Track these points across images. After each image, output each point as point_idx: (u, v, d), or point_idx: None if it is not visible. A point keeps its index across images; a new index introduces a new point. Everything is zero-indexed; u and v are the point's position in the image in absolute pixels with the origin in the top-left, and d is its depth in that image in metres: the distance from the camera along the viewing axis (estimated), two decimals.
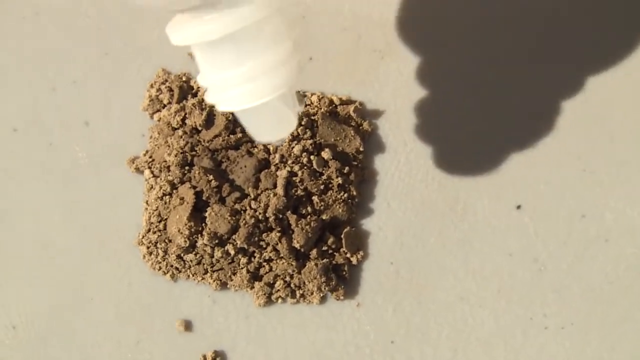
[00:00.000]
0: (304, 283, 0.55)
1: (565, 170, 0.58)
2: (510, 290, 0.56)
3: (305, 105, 0.58)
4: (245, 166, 0.55)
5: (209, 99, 0.44)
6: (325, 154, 0.56)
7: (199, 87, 0.58)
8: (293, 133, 0.56)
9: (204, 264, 0.55)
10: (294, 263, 0.55)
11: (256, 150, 0.56)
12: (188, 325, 0.55)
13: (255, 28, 0.42)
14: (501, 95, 0.58)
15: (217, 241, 0.54)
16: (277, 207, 0.54)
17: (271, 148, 0.56)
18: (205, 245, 0.54)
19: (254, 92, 0.43)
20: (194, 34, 0.41)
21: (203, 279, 0.56)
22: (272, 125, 0.48)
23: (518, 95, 0.58)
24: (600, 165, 0.58)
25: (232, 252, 0.54)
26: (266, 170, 0.55)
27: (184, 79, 0.59)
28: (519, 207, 0.57)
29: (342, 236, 0.56)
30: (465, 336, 0.55)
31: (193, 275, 0.56)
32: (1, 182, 0.58)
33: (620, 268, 0.56)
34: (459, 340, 0.55)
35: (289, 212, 0.54)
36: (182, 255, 0.55)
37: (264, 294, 0.55)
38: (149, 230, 0.56)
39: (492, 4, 0.60)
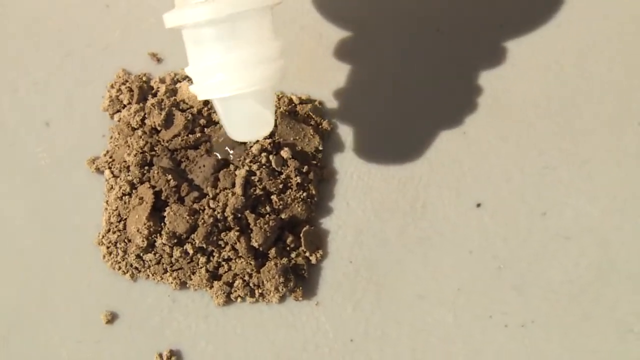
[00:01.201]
0: (263, 282, 0.56)
1: (525, 168, 0.59)
2: (470, 288, 0.57)
3: None
4: (204, 166, 0.56)
5: (192, 88, 0.47)
6: (284, 153, 0.57)
7: (158, 88, 0.59)
8: None
9: (163, 264, 0.56)
10: (252, 262, 0.56)
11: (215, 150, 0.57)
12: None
13: (243, 21, 0.44)
14: (459, 93, 0.59)
15: (175, 241, 0.55)
16: (235, 207, 0.55)
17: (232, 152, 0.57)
18: (164, 244, 0.55)
19: (232, 82, 0.46)
20: (184, 16, 0.45)
21: (162, 278, 0.57)
22: (249, 124, 0.50)
23: (477, 93, 0.59)
24: (561, 163, 0.59)
25: (191, 252, 0.55)
26: (225, 170, 0.56)
27: (144, 79, 0.60)
28: (479, 205, 0.58)
29: (301, 235, 0.57)
30: (424, 335, 0.56)
31: (152, 275, 0.57)
32: None
33: (580, 266, 0.57)
34: (418, 339, 0.56)
35: (248, 211, 0.56)
36: (141, 255, 0.56)
37: (223, 293, 0.56)
38: (108, 230, 0.57)
39: (454, 6, 0.61)
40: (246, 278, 0.56)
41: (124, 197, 0.57)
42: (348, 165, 0.59)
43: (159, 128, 0.58)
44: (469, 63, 0.60)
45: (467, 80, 0.60)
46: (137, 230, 0.55)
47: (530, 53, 0.60)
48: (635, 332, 0.56)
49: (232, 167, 0.56)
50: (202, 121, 0.58)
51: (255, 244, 0.55)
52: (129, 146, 0.57)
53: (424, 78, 0.60)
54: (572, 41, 0.61)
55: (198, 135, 0.57)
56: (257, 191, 0.56)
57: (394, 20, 0.61)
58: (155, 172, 0.56)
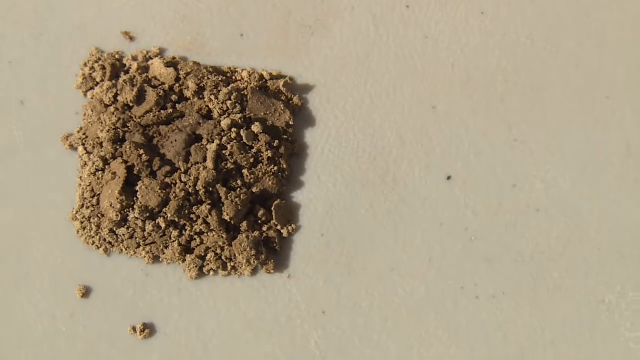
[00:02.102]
0: (235, 255, 0.58)
1: (495, 141, 0.60)
2: (441, 260, 0.58)
3: (235, 81, 0.60)
4: (175, 141, 0.58)
5: None
6: (255, 127, 0.58)
7: (131, 65, 0.61)
8: (222, 108, 0.58)
9: (136, 238, 0.58)
10: (224, 235, 0.57)
11: (186, 125, 0.58)
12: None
13: None
14: (429, 68, 0.61)
15: (148, 214, 0.57)
16: (207, 180, 0.56)
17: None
18: (137, 218, 0.57)
19: None
20: None
21: (135, 252, 0.58)
22: None
23: (446, 68, 0.61)
24: (531, 136, 0.60)
25: (164, 226, 0.57)
26: (196, 145, 0.58)
27: (116, 57, 0.62)
28: (449, 177, 0.60)
29: (273, 209, 0.58)
30: (396, 306, 0.58)
31: (126, 250, 0.58)
32: None
33: (551, 237, 0.59)
34: (389, 310, 0.58)
35: (219, 185, 0.57)
36: (114, 229, 0.58)
37: (196, 267, 0.58)
38: (82, 206, 0.58)
39: None
40: (218, 251, 0.57)
41: (97, 173, 0.58)
42: (319, 139, 0.60)
43: (131, 104, 0.59)
44: (438, 38, 0.61)
45: (437, 55, 0.61)
46: (110, 205, 0.56)
47: (501, 28, 0.62)
48: (606, 302, 0.58)
49: (203, 141, 0.58)
50: (174, 97, 0.59)
51: (227, 218, 0.57)
52: (102, 123, 0.59)
53: (394, 53, 0.61)
54: (542, 16, 0.62)
55: (170, 111, 0.59)
56: (229, 165, 0.57)
57: None
58: (128, 147, 0.57)
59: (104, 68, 0.61)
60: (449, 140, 0.60)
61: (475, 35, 0.62)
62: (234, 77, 0.61)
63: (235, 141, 0.58)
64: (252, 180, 0.58)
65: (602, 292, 0.58)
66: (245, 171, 0.58)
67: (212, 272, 0.58)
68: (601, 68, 0.61)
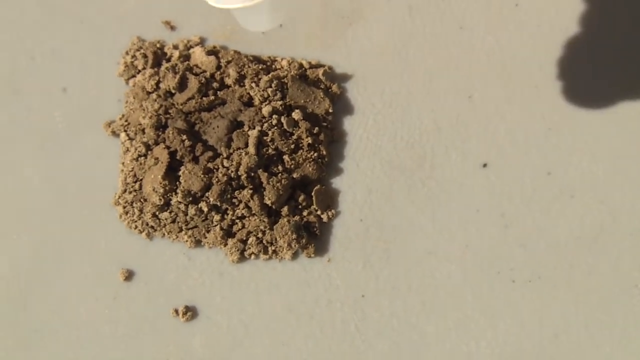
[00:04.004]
0: (276, 239, 0.60)
1: (530, 129, 0.63)
2: (478, 245, 0.61)
3: (275, 69, 0.63)
4: (217, 127, 0.61)
5: None
6: (296, 114, 0.61)
7: (172, 54, 0.64)
8: (263, 95, 0.61)
9: (178, 222, 0.60)
10: (266, 220, 0.60)
11: (228, 111, 0.61)
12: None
13: None
14: (465, 56, 0.64)
15: (190, 199, 0.60)
16: (248, 165, 0.59)
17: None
18: (180, 203, 0.60)
19: None
20: None
21: (178, 237, 0.61)
22: None
23: (482, 57, 0.64)
24: (564, 124, 0.63)
25: (206, 210, 0.60)
26: (238, 130, 0.61)
27: (158, 45, 0.65)
28: (485, 165, 0.63)
29: (313, 194, 0.61)
30: (433, 289, 0.61)
31: (168, 234, 0.61)
32: None
33: (585, 223, 0.62)
34: (427, 294, 0.61)
35: (261, 170, 0.60)
36: (157, 213, 0.60)
37: (237, 251, 0.61)
38: (124, 191, 0.61)
39: None
40: (259, 235, 0.60)
41: (139, 158, 0.61)
42: (357, 127, 0.63)
43: (173, 91, 0.62)
44: (473, 28, 0.65)
45: (472, 45, 0.64)
46: (153, 190, 0.59)
47: (534, 19, 0.65)
48: (639, 287, 0.61)
49: (245, 128, 0.61)
50: (215, 85, 0.62)
51: (268, 202, 0.60)
52: (144, 109, 0.62)
53: (430, 43, 0.64)
54: (575, 8, 0.65)
55: (211, 98, 0.62)
56: (270, 151, 0.60)
57: None
58: (170, 133, 0.60)
59: (145, 56, 0.64)
60: (485, 128, 0.63)
61: (510, 26, 0.65)
62: (273, 66, 0.64)
63: (276, 127, 0.61)
64: (292, 166, 0.61)
65: (636, 277, 0.61)
66: (286, 157, 0.61)
67: (253, 256, 0.61)
68: (636, 56, 0.64)
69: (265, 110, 0.61)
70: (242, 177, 0.59)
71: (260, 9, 0.52)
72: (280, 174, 0.60)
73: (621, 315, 0.60)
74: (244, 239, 0.60)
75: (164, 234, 0.61)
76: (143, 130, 0.61)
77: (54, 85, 0.64)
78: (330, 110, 0.63)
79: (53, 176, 0.63)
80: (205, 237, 0.61)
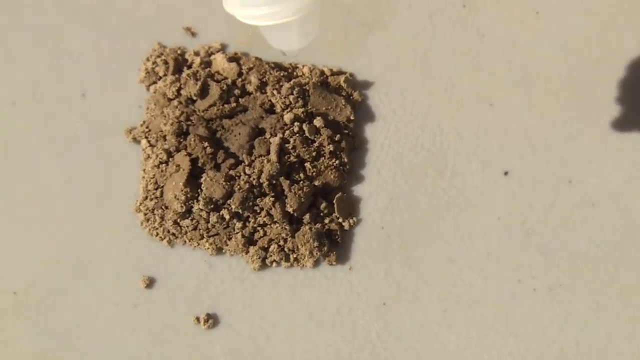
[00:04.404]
0: (298, 247, 0.61)
1: (551, 137, 0.63)
2: (499, 253, 0.62)
3: (297, 76, 0.64)
4: (239, 134, 0.61)
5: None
6: (317, 122, 0.62)
7: (193, 60, 0.64)
8: (285, 102, 0.62)
9: (199, 230, 0.61)
10: (287, 227, 0.60)
11: (250, 118, 0.62)
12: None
13: None
14: (486, 65, 0.65)
15: (212, 206, 0.60)
16: (270, 173, 0.60)
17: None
18: (201, 210, 0.60)
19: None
20: None
21: (199, 244, 0.61)
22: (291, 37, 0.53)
23: (502, 65, 0.64)
24: (585, 132, 0.64)
25: (227, 217, 0.60)
26: (260, 138, 0.61)
27: (178, 52, 0.65)
28: (506, 173, 0.63)
29: (334, 201, 0.61)
30: (454, 298, 0.61)
31: (189, 241, 0.61)
32: (1, 154, 0.64)
33: (606, 231, 0.62)
34: (448, 302, 0.61)
35: (282, 177, 0.60)
36: (178, 220, 0.61)
37: (259, 258, 0.61)
38: (146, 198, 0.62)
39: None
40: (281, 243, 0.61)
41: (160, 165, 0.61)
42: (378, 134, 0.64)
43: (194, 98, 0.62)
44: (494, 36, 0.65)
45: (493, 53, 0.65)
46: (175, 197, 0.60)
47: (555, 27, 0.66)
48: None
49: (267, 135, 0.61)
50: (237, 91, 0.63)
51: (290, 210, 0.60)
52: (165, 116, 0.62)
53: (451, 51, 0.65)
54: (595, 14, 0.66)
55: (233, 105, 0.62)
56: (291, 158, 0.60)
57: None
58: (192, 140, 0.60)
59: (166, 62, 0.64)
60: (506, 136, 0.63)
61: (530, 34, 0.65)
62: (295, 73, 0.64)
63: (297, 135, 0.61)
64: (314, 174, 0.61)
65: None
66: (307, 164, 0.61)
67: (274, 264, 0.61)
68: None
69: (287, 117, 0.61)
70: (264, 185, 0.60)
71: (290, 27, 0.52)
72: (302, 182, 0.61)
73: None
74: (266, 246, 0.61)
75: (185, 241, 0.61)
76: (164, 137, 0.62)
77: (73, 91, 0.64)
78: (352, 118, 0.63)
79: (73, 183, 0.63)
80: (227, 245, 0.61)
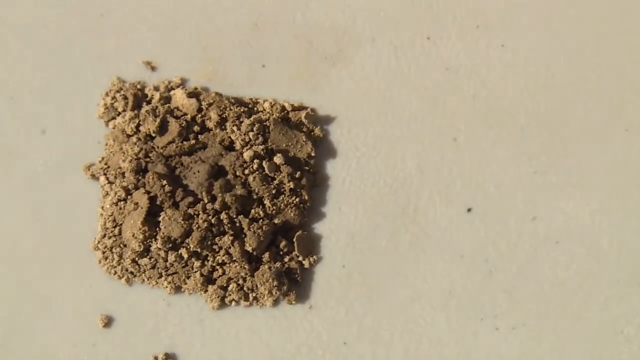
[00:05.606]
0: (257, 286, 0.61)
1: (516, 173, 0.64)
2: (462, 291, 0.62)
3: (257, 112, 0.64)
4: (198, 171, 0.61)
5: None
6: (277, 159, 0.62)
7: (152, 95, 0.65)
8: (245, 139, 0.62)
9: (158, 268, 0.61)
10: (246, 266, 0.61)
11: (209, 156, 0.62)
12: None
13: None
14: (451, 97, 0.65)
15: (170, 245, 0.60)
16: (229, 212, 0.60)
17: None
18: (159, 249, 0.60)
19: None
20: None
21: (157, 282, 0.62)
22: None
23: (467, 100, 0.64)
24: (551, 167, 0.64)
25: (186, 256, 0.60)
26: (221, 179, 0.61)
27: (138, 87, 0.65)
28: (469, 209, 0.63)
29: (295, 240, 0.62)
30: (417, 336, 0.61)
31: (148, 279, 0.62)
32: None
33: (570, 269, 0.62)
34: (410, 341, 0.61)
35: (241, 216, 0.61)
36: (136, 259, 0.61)
37: (218, 297, 0.61)
38: (104, 236, 0.62)
39: (440, 10, 0.66)
40: (240, 282, 0.61)
41: (119, 203, 0.61)
42: (340, 171, 0.64)
43: (153, 135, 0.63)
44: (459, 70, 0.65)
45: (457, 87, 0.65)
46: (133, 235, 0.60)
47: (521, 60, 0.66)
48: (625, 333, 0.61)
49: (228, 176, 0.61)
50: (196, 128, 0.63)
51: (249, 248, 0.60)
52: (124, 153, 0.62)
53: (415, 84, 0.65)
54: (562, 48, 0.66)
55: (192, 142, 0.62)
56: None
57: (385, 25, 0.66)
58: (150, 177, 0.61)
59: (125, 98, 0.64)
60: (470, 171, 0.63)
61: (496, 67, 0.65)
62: (255, 108, 0.64)
63: (257, 172, 0.61)
64: (274, 212, 0.61)
65: (621, 323, 0.61)
66: (267, 202, 0.61)
67: (234, 303, 0.61)
68: (620, 101, 0.65)
69: (247, 155, 0.61)
70: (224, 221, 0.60)
71: None
72: (261, 220, 0.61)
73: None
74: (225, 285, 0.61)
75: (143, 280, 0.62)
76: (123, 174, 0.62)
77: (33, 127, 0.65)
78: (313, 154, 0.63)
79: (32, 220, 0.63)
80: (186, 283, 0.61)
